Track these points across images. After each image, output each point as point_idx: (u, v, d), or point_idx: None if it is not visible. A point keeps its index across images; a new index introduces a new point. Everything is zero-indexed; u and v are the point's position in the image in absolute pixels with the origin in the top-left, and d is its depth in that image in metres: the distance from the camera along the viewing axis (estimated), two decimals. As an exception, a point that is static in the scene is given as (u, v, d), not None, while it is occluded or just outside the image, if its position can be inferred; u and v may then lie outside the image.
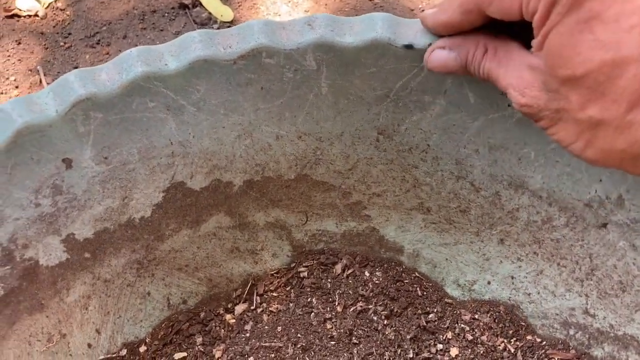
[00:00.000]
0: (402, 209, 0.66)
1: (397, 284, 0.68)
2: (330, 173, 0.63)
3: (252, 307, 0.67)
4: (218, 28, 1.16)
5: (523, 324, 0.67)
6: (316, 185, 0.64)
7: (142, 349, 0.64)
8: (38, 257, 0.55)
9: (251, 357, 0.63)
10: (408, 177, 0.63)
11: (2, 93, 1.04)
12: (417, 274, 0.68)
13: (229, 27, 1.16)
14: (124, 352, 0.64)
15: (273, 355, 0.63)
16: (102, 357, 0.63)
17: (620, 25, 0.33)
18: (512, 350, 0.65)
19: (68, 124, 0.50)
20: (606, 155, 0.37)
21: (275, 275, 0.68)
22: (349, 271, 0.68)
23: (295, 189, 0.64)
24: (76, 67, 1.10)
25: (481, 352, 0.66)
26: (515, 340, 0.66)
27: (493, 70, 0.43)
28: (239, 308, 0.67)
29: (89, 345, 0.62)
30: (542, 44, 0.38)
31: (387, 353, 0.65)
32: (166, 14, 1.18)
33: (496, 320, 0.67)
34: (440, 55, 0.47)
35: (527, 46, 0.41)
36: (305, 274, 0.68)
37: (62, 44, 1.15)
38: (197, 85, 0.52)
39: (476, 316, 0.68)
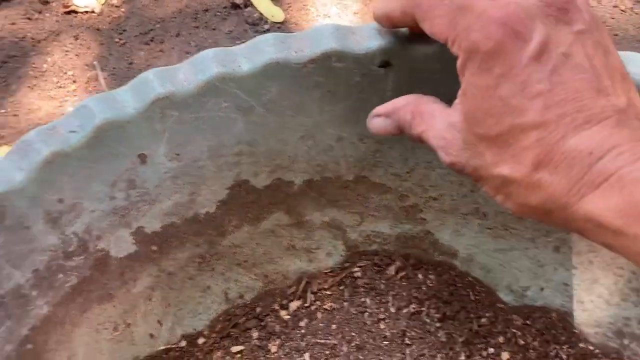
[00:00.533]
0: (458, 214, 0.66)
1: (451, 287, 0.68)
2: (388, 175, 0.64)
3: (305, 305, 0.69)
4: (268, 29, 1.18)
5: (576, 331, 0.67)
6: (373, 187, 0.65)
7: (201, 341, 0.66)
8: (109, 249, 0.58)
9: (307, 353, 0.64)
10: (466, 182, 0.63)
11: (60, 87, 1.08)
12: (470, 278, 0.69)
13: (279, 28, 1.18)
14: (183, 343, 0.66)
15: (328, 352, 0.64)
16: (162, 347, 0.65)
17: (526, 93, 0.36)
18: (565, 357, 0.66)
19: (146, 121, 0.52)
20: (524, 209, 0.39)
21: (329, 274, 0.70)
22: (403, 273, 0.69)
23: (353, 190, 0.65)
24: (131, 64, 1.13)
25: (533, 357, 0.66)
26: (568, 347, 0.66)
27: (423, 135, 0.46)
28: (293, 305, 0.69)
29: (151, 336, 0.64)
30: (462, 96, 0.41)
31: (439, 355, 0.65)
32: (218, 13, 1.20)
33: (548, 327, 0.67)
34: (378, 122, 0.50)
35: None
36: (359, 274, 0.69)
37: (117, 40, 1.18)
38: (268, 87, 0.54)
39: (528, 322, 0.68)
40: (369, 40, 0.53)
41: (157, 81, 0.51)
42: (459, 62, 0.40)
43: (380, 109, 0.51)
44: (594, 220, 0.36)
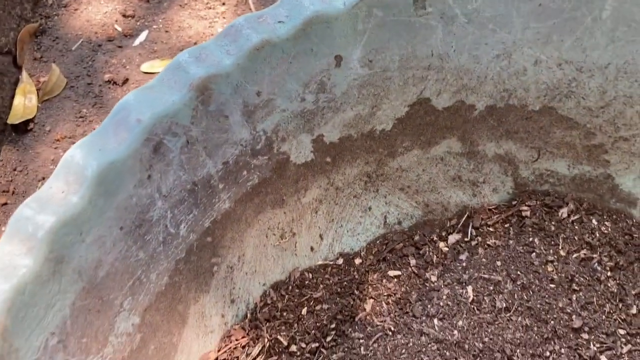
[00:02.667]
0: (648, 158, 0.61)
1: (626, 237, 0.63)
2: (578, 109, 0.60)
3: (466, 239, 0.66)
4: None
5: None
6: (559, 120, 0.61)
7: (357, 261, 0.65)
8: (290, 153, 0.57)
9: (470, 286, 0.62)
10: (666, 123, 0.58)
11: (210, 8, 1.08)
12: (649, 230, 0.64)
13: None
14: (340, 261, 0.65)
15: (492, 287, 0.62)
16: (320, 262, 0.64)
17: None
18: None
19: (350, 20, 0.50)
20: None
21: (493, 210, 0.67)
22: (575, 217, 0.64)
23: (536, 122, 0.61)
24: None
25: None
26: None
27: None
28: (452, 238, 0.66)
29: (312, 249, 0.64)
30: None
31: (608, 305, 0.61)
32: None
33: None
34: None
35: None
36: (528, 213, 0.65)
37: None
38: (480, -6, 0.50)
39: None
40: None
41: (367, -23, 0.49)
42: None
43: None
44: None
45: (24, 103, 0.99)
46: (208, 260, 0.55)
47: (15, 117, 0.95)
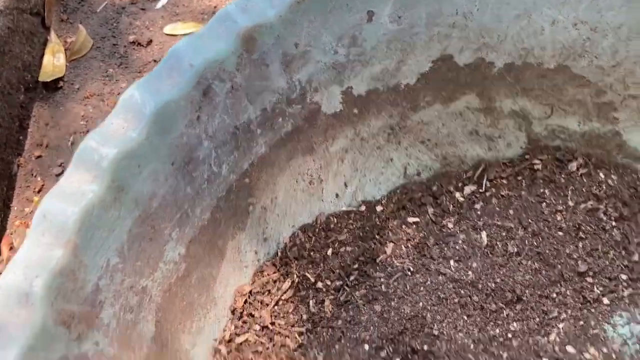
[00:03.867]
0: (655, 115, 0.65)
1: (631, 190, 0.68)
2: (591, 67, 0.64)
3: (480, 190, 0.70)
4: None
5: None
6: (572, 78, 0.65)
7: (379, 208, 0.70)
8: (321, 103, 0.61)
9: (484, 232, 0.66)
10: (673, 82, 0.62)
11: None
12: (653, 184, 0.68)
13: None
14: (362, 208, 0.70)
15: (504, 233, 0.66)
16: (344, 208, 0.69)
17: None
18: None
19: (384, -23, 0.54)
20: None
21: (507, 164, 0.71)
22: (584, 170, 0.69)
23: (551, 80, 0.65)
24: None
25: None
26: None
27: None
28: (468, 189, 0.71)
29: (337, 195, 0.69)
30: None
31: (611, 252, 0.66)
32: None
33: None
34: None
35: None
36: (539, 167, 0.70)
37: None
38: (505, -46, 0.54)
39: None
40: None
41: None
42: None
43: None
44: None
45: (52, 62, 1.03)
46: (245, 200, 0.60)
47: (46, 75, 0.99)
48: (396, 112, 0.66)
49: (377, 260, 0.67)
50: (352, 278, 0.66)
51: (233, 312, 0.61)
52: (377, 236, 0.68)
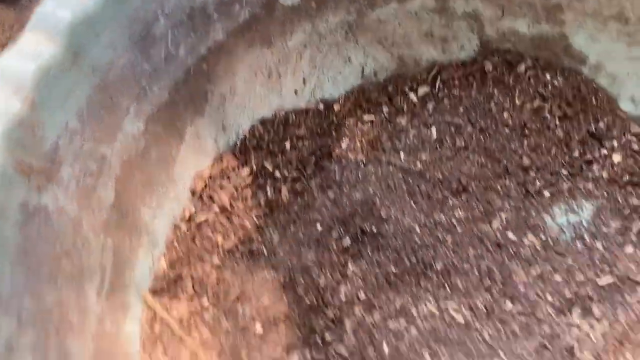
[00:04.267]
0: (599, 17, 0.68)
1: (574, 90, 0.72)
2: (540, -33, 0.66)
3: (434, 91, 0.74)
4: None
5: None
6: (523, -21, 0.67)
7: (336, 107, 0.73)
8: (279, -7, 0.63)
9: (433, 127, 0.70)
10: (616, -18, 0.65)
11: None
12: (595, 85, 0.72)
13: None
14: (320, 106, 0.72)
15: (453, 129, 0.70)
16: (303, 105, 0.72)
17: None
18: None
19: None
20: None
21: (459, 66, 0.74)
22: (531, 72, 0.72)
23: (502, -20, 0.68)
24: None
25: (644, 164, 0.70)
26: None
27: None
28: (422, 90, 0.74)
29: (295, 92, 0.71)
30: None
31: (554, 148, 0.70)
32: None
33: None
34: None
35: None
36: (490, 68, 0.73)
37: None
38: None
39: (645, 132, 0.71)
40: None
41: None
42: None
43: None
44: None
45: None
46: (203, 86, 0.62)
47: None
48: (353, 8, 0.68)
49: (333, 155, 0.70)
50: (309, 170, 0.69)
51: (193, 193, 0.64)
52: (333, 133, 0.71)
